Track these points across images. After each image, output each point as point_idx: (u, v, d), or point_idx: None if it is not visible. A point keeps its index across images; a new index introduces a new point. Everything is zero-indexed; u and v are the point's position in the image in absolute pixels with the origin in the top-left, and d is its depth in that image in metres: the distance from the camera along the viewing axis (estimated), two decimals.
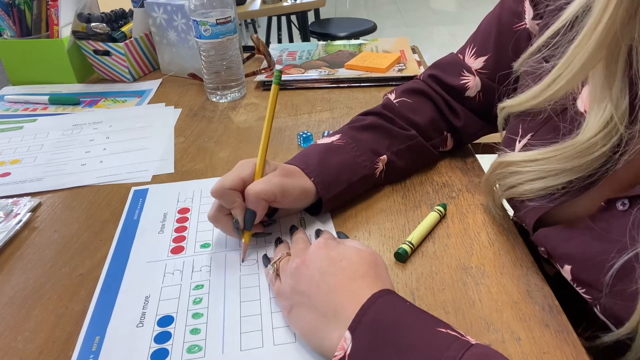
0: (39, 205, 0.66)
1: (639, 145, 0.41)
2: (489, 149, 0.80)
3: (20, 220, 0.62)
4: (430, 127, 0.66)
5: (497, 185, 0.53)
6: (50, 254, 0.58)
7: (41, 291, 0.52)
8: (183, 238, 0.58)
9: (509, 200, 0.54)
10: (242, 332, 0.46)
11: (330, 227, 0.58)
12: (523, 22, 0.59)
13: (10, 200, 0.66)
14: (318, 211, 0.59)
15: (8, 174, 0.74)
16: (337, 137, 0.62)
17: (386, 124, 0.64)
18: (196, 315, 0.48)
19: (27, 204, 0.65)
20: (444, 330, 0.38)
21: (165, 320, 0.48)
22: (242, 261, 0.54)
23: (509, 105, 0.52)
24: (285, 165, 0.57)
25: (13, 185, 0.71)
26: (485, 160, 0.69)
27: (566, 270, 0.47)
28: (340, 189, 0.58)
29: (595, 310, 0.45)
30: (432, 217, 0.57)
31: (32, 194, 0.68)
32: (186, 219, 0.62)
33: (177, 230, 0.60)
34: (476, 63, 0.65)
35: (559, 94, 0.44)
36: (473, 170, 0.68)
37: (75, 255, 0.57)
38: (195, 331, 0.47)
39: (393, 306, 0.40)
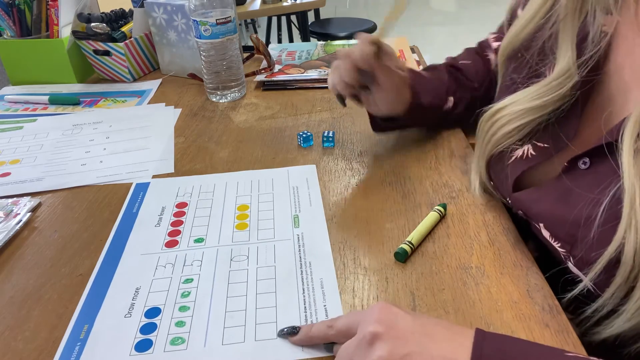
0: (39, 205, 0.66)
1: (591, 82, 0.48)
2: None
3: (20, 220, 0.62)
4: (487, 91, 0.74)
5: (483, 143, 0.58)
6: (50, 254, 0.58)
7: (41, 291, 0.52)
8: (178, 232, 0.59)
9: (493, 181, 0.59)
10: (225, 326, 0.47)
11: (323, 227, 0.58)
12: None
13: (10, 200, 0.66)
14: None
15: (8, 174, 0.74)
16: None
17: (462, 77, 0.75)
18: (183, 309, 0.49)
19: (27, 204, 0.65)
20: (573, 354, 0.37)
21: (153, 312, 0.49)
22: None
23: (501, 47, 0.58)
24: None
25: (13, 185, 0.71)
26: None
27: (543, 228, 0.51)
28: (423, 102, 0.69)
29: (570, 266, 0.48)
30: (432, 217, 0.57)
31: (32, 194, 0.68)
32: (183, 214, 0.62)
33: (173, 224, 0.61)
34: (494, 44, 0.75)
35: (530, 27, 0.54)
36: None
37: (75, 255, 0.57)
38: (180, 324, 0.47)
39: (503, 337, 0.39)
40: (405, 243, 0.54)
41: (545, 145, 0.52)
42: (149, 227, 0.60)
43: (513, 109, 0.53)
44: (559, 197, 0.49)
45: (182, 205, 0.64)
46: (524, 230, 0.58)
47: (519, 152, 0.55)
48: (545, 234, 0.50)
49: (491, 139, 0.56)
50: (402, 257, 0.53)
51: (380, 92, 0.65)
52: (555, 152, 0.52)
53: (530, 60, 0.55)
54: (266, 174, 0.69)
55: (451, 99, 0.73)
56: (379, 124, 0.73)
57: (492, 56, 0.76)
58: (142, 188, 0.68)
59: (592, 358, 0.37)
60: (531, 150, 0.54)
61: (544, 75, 0.52)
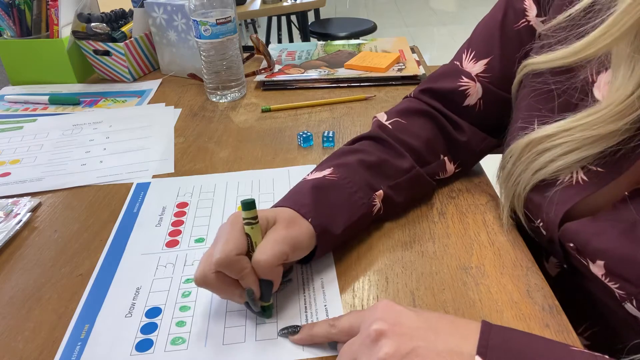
0: (39, 205, 0.66)
1: None
2: None
3: (20, 220, 0.62)
4: (427, 149, 0.60)
5: (523, 175, 0.50)
6: (50, 254, 0.58)
7: (41, 291, 0.52)
8: (179, 232, 0.59)
9: (529, 201, 0.52)
10: (226, 326, 0.47)
11: None
12: (524, 20, 0.57)
13: (10, 200, 0.66)
14: (309, 258, 0.51)
15: (8, 174, 0.74)
16: (328, 171, 0.55)
17: (380, 153, 0.58)
18: (183, 308, 0.49)
19: (27, 204, 0.65)
20: (577, 349, 0.37)
21: (153, 312, 0.49)
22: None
23: (535, 62, 0.50)
24: (280, 214, 0.49)
25: (13, 185, 0.71)
26: (486, 160, 0.69)
27: (598, 265, 0.45)
28: (338, 232, 0.51)
29: (628, 306, 0.44)
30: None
31: (32, 194, 0.68)
32: (184, 214, 0.62)
33: (173, 224, 0.61)
34: (476, 67, 0.61)
35: (600, 51, 0.43)
36: (473, 170, 0.68)
37: (75, 255, 0.57)
38: (180, 324, 0.47)
39: (510, 330, 0.38)
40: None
41: (600, 169, 0.46)
42: (149, 227, 0.61)
43: (577, 135, 0.45)
44: (625, 230, 0.43)
45: (182, 205, 0.64)
46: (537, 244, 0.56)
47: (566, 177, 0.48)
48: (599, 271, 0.45)
49: (546, 167, 0.48)
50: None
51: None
52: (610, 179, 0.45)
53: (564, 82, 0.48)
54: (267, 174, 0.69)
55: (380, 193, 0.56)
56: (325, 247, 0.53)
57: (471, 86, 0.61)
58: (143, 188, 0.68)
59: (596, 354, 0.37)
60: (582, 175, 0.47)
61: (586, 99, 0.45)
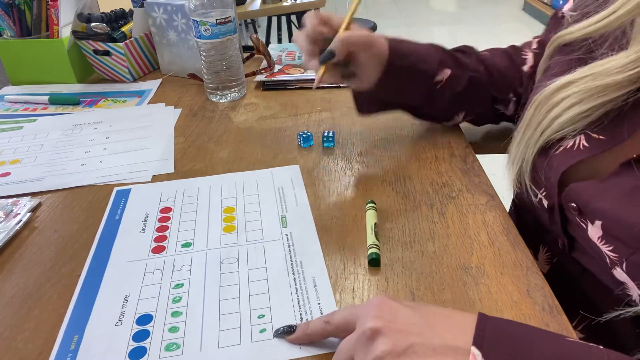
0: (39, 205, 0.66)
1: None
2: (489, 148, 0.80)
3: (20, 220, 0.62)
4: (500, 79, 0.71)
5: (532, 137, 0.52)
6: (50, 254, 0.58)
7: (41, 291, 0.52)
8: (164, 238, 0.59)
9: (533, 170, 0.53)
10: (220, 329, 0.47)
11: (311, 226, 0.58)
12: (562, 11, 0.61)
13: (10, 200, 0.66)
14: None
15: (8, 174, 0.74)
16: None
17: (462, 56, 0.70)
18: (175, 314, 0.49)
19: (27, 204, 0.65)
20: (572, 339, 0.37)
21: (144, 319, 0.48)
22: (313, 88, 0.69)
23: (567, 32, 0.52)
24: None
25: (13, 185, 0.71)
26: (486, 160, 0.69)
27: (596, 226, 0.46)
28: (405, 64, 0.64)
29: (617, 271, 0.45)
30: (370, 215, 0.58)
31: (32, 194, 0.68)
32: (168, 219, 0.62)
33: (158, 229, 0.60)
34: (534, 43, 0.73)
35: (625, 17, 0.45)
36: (473, 170, 0.68)
37: (75, 255, 0.57)
38: (174, 329, 0.47)
39: (506, 321, 0.39)
40: (373, 247, 0.54)
41: (601, 137, 0.47)
42: (133, 234, 0.59)
43: (587, 85, 0.46)
44: (626, 194, 0.44)
45: (166, 210, 0.63)
46: (530, 238, 0.57)
47: (568, 142, 0.49)
48: (596, 234, 0.46)
49: (552, 124, 0.49)
50: (378, 262, 0.53)
51: (357, 59, 0.63)
52: (611, 146, 0.46)
53: (591, 43, 0.49)
54: (250, 176, 0.69)
55: (447, 71, 0.67)
56: (363, 103, 0.71)
57: (529, 55, 0.71)
58: (124, 195, 0.67)
59: (592, 344, 0.37)
60: (584, 142, 0.48)
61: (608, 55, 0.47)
